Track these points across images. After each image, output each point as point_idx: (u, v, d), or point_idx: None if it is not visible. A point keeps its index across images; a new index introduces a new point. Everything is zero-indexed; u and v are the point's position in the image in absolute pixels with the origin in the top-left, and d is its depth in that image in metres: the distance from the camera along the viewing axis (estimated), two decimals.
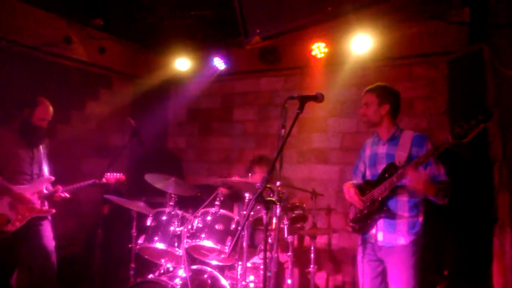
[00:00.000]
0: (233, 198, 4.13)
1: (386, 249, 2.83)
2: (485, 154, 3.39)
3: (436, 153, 2.54)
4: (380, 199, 2.82)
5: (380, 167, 2.89)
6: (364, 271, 2.96)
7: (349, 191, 2.99)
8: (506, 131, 2.88)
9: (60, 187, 3.58)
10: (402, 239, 2.79)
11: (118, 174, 3.78)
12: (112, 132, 5.30)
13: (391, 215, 2.80)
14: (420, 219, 2.83)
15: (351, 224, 3.03)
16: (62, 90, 4.62)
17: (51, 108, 3.63)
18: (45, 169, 3.66)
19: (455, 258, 3.65)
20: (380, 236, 2.85)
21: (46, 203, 3.58)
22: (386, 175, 2.79)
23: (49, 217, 3.63)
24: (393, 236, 2.81)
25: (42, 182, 3.58)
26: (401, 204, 2.81)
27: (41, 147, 3.66)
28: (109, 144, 5.26)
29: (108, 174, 3.71)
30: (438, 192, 2.60)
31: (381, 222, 2.85)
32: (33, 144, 3.59)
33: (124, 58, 5.22)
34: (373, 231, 2.88)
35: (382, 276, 2.89)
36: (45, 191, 3.56)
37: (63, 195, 3.58)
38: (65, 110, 4.72)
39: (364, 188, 2.97)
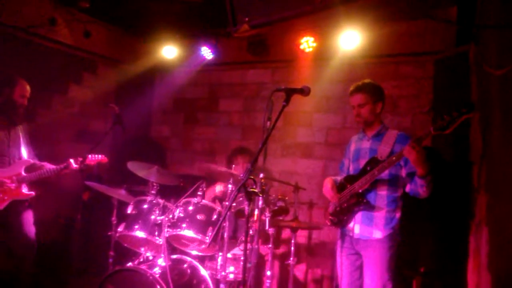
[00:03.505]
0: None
1: (362, 242, 2.89)
2: (465, 154, 3.45)
3: (421, 142, 2.57)
4: (360, 191, 2.86)
5: (363, 162, 2.94)
6: (343, 265, 3.00)
7: (326, 185, 3.04)
8: (488, 133, 2.93)
9: (71, 159, 3.53)
10: (378, 233, 2.84)
11: (100, 156, 3.72)
12: (95, 117, 5.21)
13: (370, 208, 2.86)
14: (398, 214, 2.89)
15: (330, 217, 3.07)
16: (45, 72, 4.52)
17: (28, 86, 3.58)
18: (24, 152, 3.58)
19: (431, 255, 3.72)
20: (356, 229, 2.91)
21: (25, 187, 3.52)
22: (368, 168, 2.84)
23: (29, 202, 3.56)
24: (369, 229, 2.87)
25: (20, 165, 3.50)
26: (380, 198, 2.86)
27: (19, 129, 3.59)
28: (91, 130, 5.17)
29: (90, 156, 3.65)
30: (428, 170, 2.61)
31: (359, 215, 2.91)
32: (13, 123, 3.53)
33: (110, 43, 5.12)
34: (351, 224, 2.93)
35: (360, 271, 2.94)
36: (23, 173, 3.49)
37: (75, 167, 3.51)
38: (47, 93, 4.63)
39: (344, 183, 3.01)
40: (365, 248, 2.88)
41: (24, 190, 3.50)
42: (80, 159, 3.51)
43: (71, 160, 3.53)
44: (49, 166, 3.60)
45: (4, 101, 3.47)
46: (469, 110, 2.41)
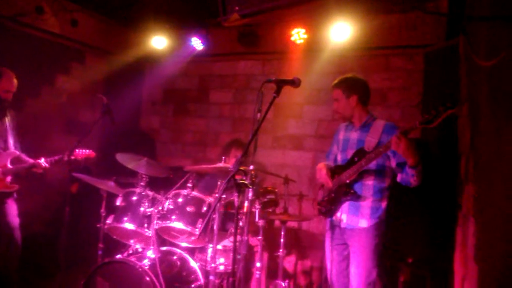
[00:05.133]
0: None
1: (348, 231, 2.93)
2: (454, 146, 3.48)
3: (407, 135, 2.59)
4: (348, 182, 2.89)
5: (350, 152, 2.97)
6: (332, 255, 3.03)
7: (321, 171, 3.04)
8: (476, 124, 2.95)
9: (41, 158, 3.48)
10: (364, 222, 2.88)
11: (88, 151, 3.68)
12: (83, 108, 5.16)
13: (356, 198, 2.89)
14: (384, 204, 2.92)
15: (318, 206, 3.11)
16: (32, 62, 4.45)
17: (15, 80, 3.49)
18: (11, 143, 3.52)
19: (419, 246, 3.76)
20: (344, 219, 2.94)
21: (10, 179, 3.47)
22: (356, 159, 2.86)
23: (14, 194, 3.52)
24: (355, 219, 2.90)
25: (5, 156, 3.45)
26: (366, 187, 2.90)
27: (6, 120, 3.52)
28: (79, 121, 5.11)
29: (77, 150, 3.61)
30: (419, 160, 2.63)
31: (345, 205, 2.94)
32: None
33: (98, 32, 5.04)
34: (338, 214, 2.96)
35: (348, 260, 2.97)
36: (9, 165, 3.44)
37: (44, 165, 3.46)
38: (34, 83, 4.55)
39: (333, 171, 3.04)
40: (351, 237, 2.93)
41: (9, 182, 3.45)
42: (64, 155, 3.47)
43: (41, 160, 3.49)
44: (26, 159, 3.55)
45: None
46: (453, 105, 2.45)
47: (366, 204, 2.89)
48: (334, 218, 3.02)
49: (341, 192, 2.94)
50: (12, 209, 3.49)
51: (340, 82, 3.00)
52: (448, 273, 3.38)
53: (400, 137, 2.55)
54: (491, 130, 2.66)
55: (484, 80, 2.73)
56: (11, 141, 3.53)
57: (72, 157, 3.54)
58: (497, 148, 2.57)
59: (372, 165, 2.85)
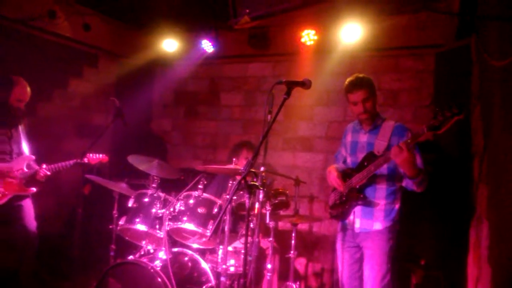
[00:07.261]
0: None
1: (362, 234, 2.91)
2: (466, 147, 3.45)
3: (413, 142, 2.56)
4: (357, 187, 2.87)
5: (361, 156, 2.93)
6: (343, 258, 3.01)
7: (332, 174, 3.02)
8: (489, 124, 2.92)
9: (43, 165, 3.50)
10: (378, 225, 2.86)
11: (101, 155, 3.72)
12: (96, 111, 5.21)
13: (368, 203, 2.86)
14: (397, 206, 2.89)
15: (329, 210, 3.09)
16: (45, 66, 4.51)
17: (28, 88, 3.52)
18: (25, 148, 3.57)
19: (432, 248, 3.73)
20: (357, 223, 2.92)
21: (27, 182, 3.52)
22: (365, 164, 2.84)
23: (30, 197, 3.57)
24: (369, 222, 2.88)
25: (22, 160, 3.50)
26: (379, 191, 2.87)
27: (20, 127, 3.57)
28: (92, 124, 5.17)
29: (91, 155, 3.65)
30: (418, 172, 2.61)
31: (358, 209, 2.91)
32: (10, 125, 3.51)
33: (110, 36, 5.10)
34: (351, 217, 2.94)
35: (360, 263, 2.96)
36: (25, 169, 3.49)
37: (44, 173, 3.49)
38: (47, 87, 4.61)
39: (344, 175, 3.02)
40: (365, 240, 2.90)
41: (26, 185, 3.50)
42: (77, 160, 3.49)
43: (44, 167, 3.49)
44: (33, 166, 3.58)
45: (0, 104, 3.44)
46: (460, 111, 2.36)
47: (380, 208, 2.86)
48: (346, 221, 3.00)
49: (352, 197, 2.92)
50: (30, 212, 3.53)
51: (367, 81, 2.91)
52: (461, 275, 3.34)
53: (402, 147, 2.50)
54: (504, 130, 2.63)
55: (496, 80, 2.71)
56: (26, 146, 3.58)
57: (85, 161, 3.58)
58: (510, 149, 2.54)
59: (384, 169, 2.81)
